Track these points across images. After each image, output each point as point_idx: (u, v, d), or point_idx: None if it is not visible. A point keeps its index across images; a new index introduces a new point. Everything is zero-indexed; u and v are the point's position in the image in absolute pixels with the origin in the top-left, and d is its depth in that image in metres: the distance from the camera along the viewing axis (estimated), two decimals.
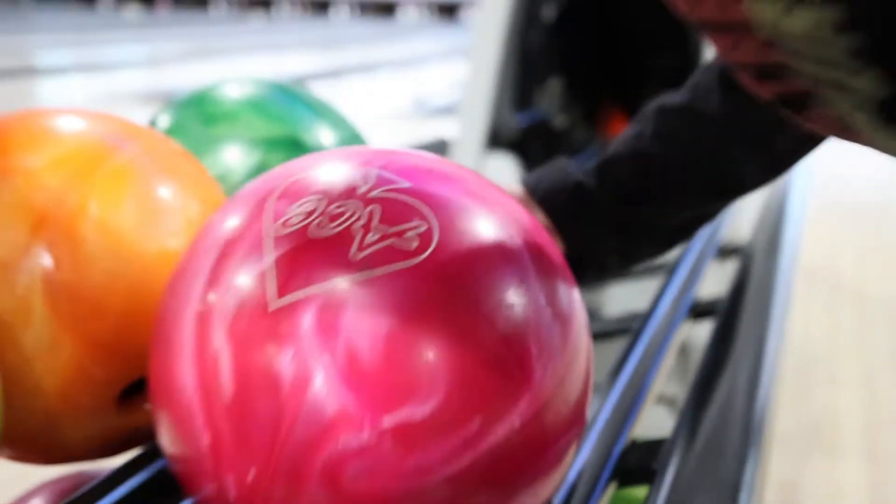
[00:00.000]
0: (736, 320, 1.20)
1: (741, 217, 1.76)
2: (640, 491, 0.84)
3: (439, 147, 2.01)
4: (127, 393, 0.72)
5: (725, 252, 1.58)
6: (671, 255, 1.47)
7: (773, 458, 1.76)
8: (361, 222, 0.55)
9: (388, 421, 0.51)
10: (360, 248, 0.54)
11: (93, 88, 7.76)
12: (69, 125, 0.75)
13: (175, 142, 0.83)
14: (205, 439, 0.55)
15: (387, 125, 5.97)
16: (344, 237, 0.55)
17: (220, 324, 0.55)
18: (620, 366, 0.99)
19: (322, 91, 1.15)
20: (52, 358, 0.67)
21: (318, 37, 13.85)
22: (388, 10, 18.41)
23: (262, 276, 0.55)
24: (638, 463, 0.86)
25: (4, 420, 0.64)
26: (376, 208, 0.56)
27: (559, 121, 2.12)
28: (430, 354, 0.52)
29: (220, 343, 0.55)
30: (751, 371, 1.05)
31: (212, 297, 0.57)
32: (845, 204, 4.18)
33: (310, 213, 0.57)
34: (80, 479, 0.91)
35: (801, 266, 2.88)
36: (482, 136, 1.97)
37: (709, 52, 1.87)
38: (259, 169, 0.92)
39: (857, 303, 2.84)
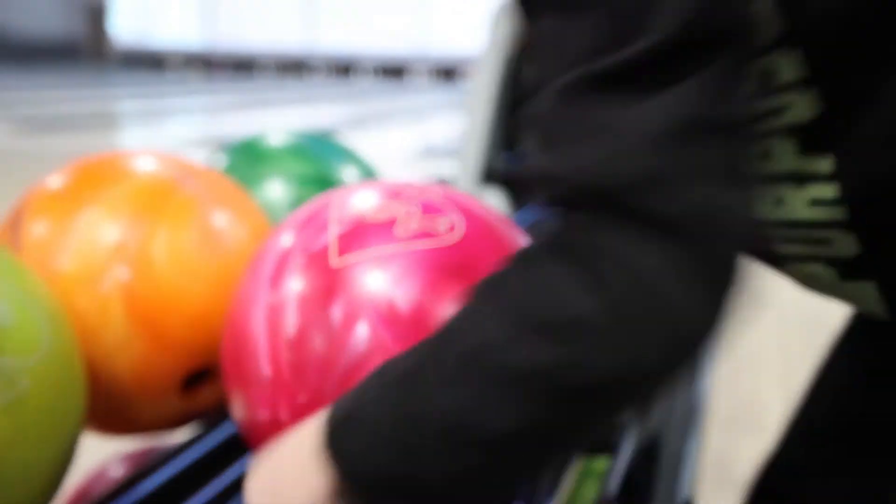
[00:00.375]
0: None
1: None
2: (602, 462, 0.83)
3: (442, 183, 2.02)
4: (190, 381, 0.72)
5: None
6: None
7: (712, 436, 1.75)
8: (405, 213, 0.59)
9: None
10: (404, 230, 0.58)
11: (163, 134, 7.78)
12: (143, 165, 0.75)
13: (229, 178, 0.83)
14: (266, 371, 0.57)
15: (399, 165, 5.97)
16: (392, 222, 0.59)
17: (288, 279, 0.58)
18: None
19: (346, 137, 1.15)
20: (127, 353, 0.67)
21: (343, 93, 13.88)
22: (400, 73, 18.47)
23: (325, 245, 0.58)
24: (601, 439, 0.85)
25: (89, 401, 0.64)
26: (417, 207, 0.60)
27: None
28: (451, 309, 0.53)
29: (288, 293, 0.58)
30: (691, 368, 1.05)
31: (284, 262, 0.60)
32: None
33: (365, 207, 0.61)
34: (148, 451, 0.91)
35: None
36: (476, 174, 1.97)
37: None
38: (296, 201, 0.93)
39: (777, 311, 2.85)
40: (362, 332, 0.55)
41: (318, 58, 19.22)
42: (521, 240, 0.64)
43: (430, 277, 0.56)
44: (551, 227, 0.44)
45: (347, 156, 1.02)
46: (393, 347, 0.54)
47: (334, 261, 0.58)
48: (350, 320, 0.56)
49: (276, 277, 0.59)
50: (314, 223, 0.62)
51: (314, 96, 13.07)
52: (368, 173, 1.02)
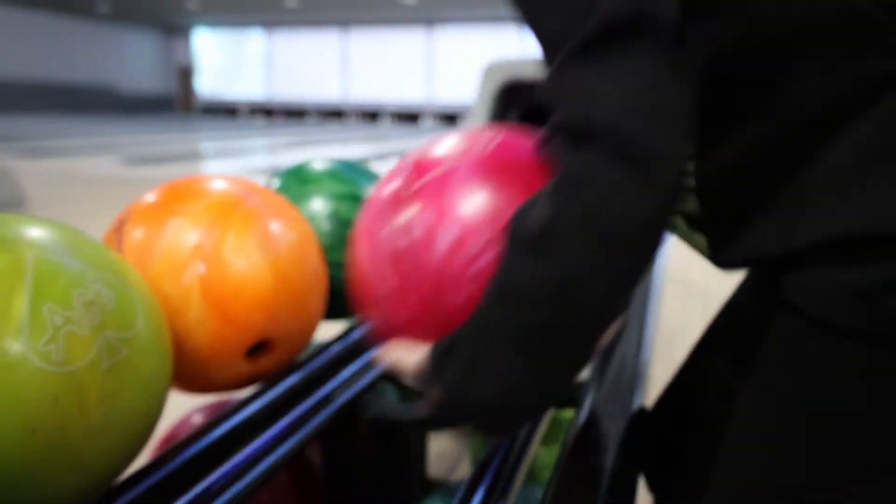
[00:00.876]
0: (627, 309, 1.18)
1: None
2: (569, 412, 0.83)
3: None
4: (252, 351, 0.71)
5: None
6: None
7: (652, 397, 1.72)
8: (453, 143, 0.60)
9: (485, 235, 0.54)
10: (455, 153, 0.59)
11: (234, 165, 7.78)
12: (216, 185, 0.74)
13: (281, 196, 0.82)
14: (382, 290, 0.58)
15: None
16: (446, 153, 0.59)
17: (382, 222, 0.58)
18: None
19: (373, 167, 1.15)
20: (203, 330, 0.66)
21: (370, 135, 13.87)
22: (414, 119, 18.46)
23: (401, 184, 0.59)
24: (568, 394, 0.84)
25: (174, 366, 0.63)
26: (463, 137, 0.61)
27: None
28: (496, 198, 0.54)
29: (383, 231, 0.58)
30: (636, 340, 1.04)
31: (377, 210, 0.60)
32: None
33: (425, 149, 0.62)
34: (222, 403, 0.90)
35: (667, 274, 2.86)
36: None
37: None
38: (334, 214, 0.92)
39: (703, 298, 2.82)
40: (443, 237, 0.54)
41: (351, 106, 19.22)
42: (537, 143, 0.63)
43: (477, 179, 0.56)
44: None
45: (374, 177, 1.01)
46: (465, 239, 0.54)
47: (410, 190, 0.58)
48: (431, 230, 0.55)
49: (373, 225, 0.60)
50: (392, 176, 0.62)
51: (348, 137, 13.07)
52: None
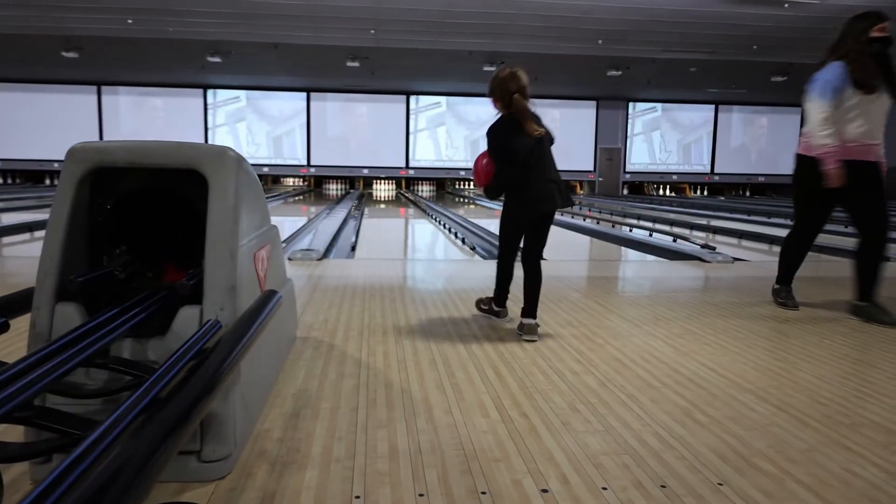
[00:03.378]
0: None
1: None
2: None
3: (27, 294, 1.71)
4: None
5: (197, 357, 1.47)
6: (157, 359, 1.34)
7: (262, 472, 1.55)
8: None
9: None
10: None
11: None
12: None
13: None
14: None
15: None
16: None
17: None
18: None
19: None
20: None
21: (36, 201, 11.79)
22: (41, 177, 16.27)
23: None
24: None
25: None
26: None
27: (121, 273, 1.90)
28: None
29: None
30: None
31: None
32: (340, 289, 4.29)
33: None
34: None
35: (307, 338, 2.90)
36: (53, 289, 1.69)
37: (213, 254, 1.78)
38: None
39: (338, 361, 2.90)
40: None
41: None
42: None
43: None
44: None
45: None
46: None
47: None
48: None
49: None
50: None
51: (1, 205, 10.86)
52: None
